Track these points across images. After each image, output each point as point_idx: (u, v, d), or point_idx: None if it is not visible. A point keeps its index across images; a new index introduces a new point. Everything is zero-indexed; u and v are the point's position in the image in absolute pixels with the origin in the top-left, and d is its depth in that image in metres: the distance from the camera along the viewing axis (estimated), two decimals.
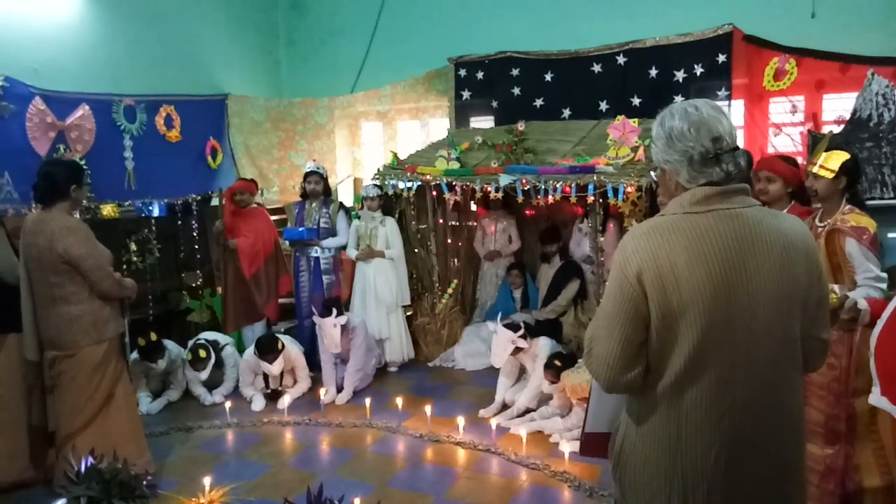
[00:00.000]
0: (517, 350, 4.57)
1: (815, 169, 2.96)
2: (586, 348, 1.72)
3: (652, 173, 4.49)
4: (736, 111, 5.66)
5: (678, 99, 5.76)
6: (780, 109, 5.46)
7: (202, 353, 4.95)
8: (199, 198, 6.41)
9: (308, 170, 5.78)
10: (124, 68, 6.13)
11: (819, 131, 5.13)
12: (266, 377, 5.05)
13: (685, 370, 1.56)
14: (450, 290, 6.04)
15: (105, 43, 5.98)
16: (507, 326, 4.62)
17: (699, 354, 1.55)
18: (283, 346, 4.96)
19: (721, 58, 5.60)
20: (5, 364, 3.57)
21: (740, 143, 5.56)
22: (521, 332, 4.57)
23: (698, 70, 5.72)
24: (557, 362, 4.27)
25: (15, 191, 5.01)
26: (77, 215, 4.63)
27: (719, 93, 5.59)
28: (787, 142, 5.41)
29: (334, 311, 4.97)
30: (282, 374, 5.07)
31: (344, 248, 5.79)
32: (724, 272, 1.54)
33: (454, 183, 5.58)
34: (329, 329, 4.96)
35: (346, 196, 7.75)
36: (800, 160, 4.64)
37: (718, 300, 1.53)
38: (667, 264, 1.54)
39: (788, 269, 1.58)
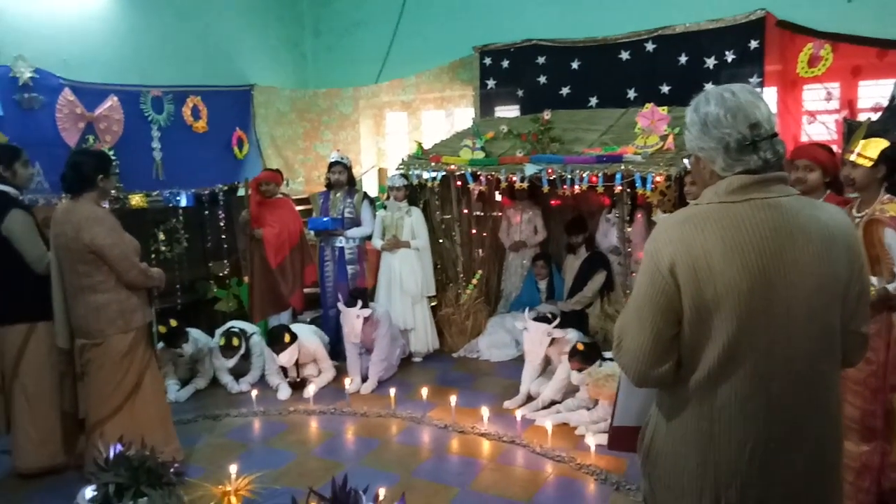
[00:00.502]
0: (553, 342, 4.50)
1: (853, 157, 2.87)
2: (616, 341, 1.68)
3: (685, 161, 4.40)
4: (768, 99, 5.52)
5: (709, 86, 5.64)
6: (814, 97, 5.32)
7: (235, 342, 4.99)
8: (225, 188, 6.46)
9: (332, 160, 5.79)
10: (152, 60, 6.18)
11: (855, 119, 4.98)
12: (296, 366, 5.07)
13: (719, 364, 1.52)
14: (474, 281, 6.01)
15: (133, 35, 6.04)
16: (538, 320, 4.57)
17: (734, 348, 1.50)
18: (294, 338, 4.94)
19: (753, 44, 5.46)
20: (36, 351, 3.64)
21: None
22: (557, 322, 4.50)
23: (729, 57, 5.59)
24: (580, 346, 4.23)
25: (45, 181, 5.09)
26: (106, 205, 4.69)
27: (751, 80, 5.46)
28: (821, 130, 5.27)
29: (360, 303, 4.98)
30: (297, 364, 5.06)
31: (368, 237, 5.80)
32: (761, 264, 1.48)
33: (479, 173, 5.53)
34: (351, 319, 4.96)
35: (370, 186, 7.75)
36: (835, 148, 4.52)
37: (755, 293, 1.48)
38: (701, 256, 1.49)
39: (828, 261, 1.52)
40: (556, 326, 4.48)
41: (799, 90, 5.35)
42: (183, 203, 6.14)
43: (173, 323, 4.89)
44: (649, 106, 4.88)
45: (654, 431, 1.72)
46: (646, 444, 1.75)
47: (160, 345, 4.78)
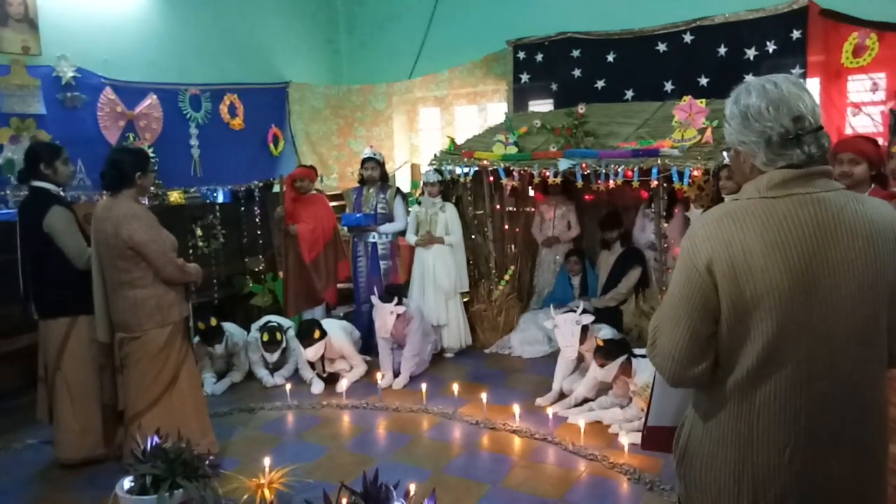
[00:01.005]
0: (584, 332, 4.45)
1: None
2: (650, 339, 1.64)
3: (724, 154, 4.30)
4: (811, 90, 5.35)
5: (749, 77, 5.50)
6: (859, 87, 5.15)
7: (277, 336, 5.04)
8: (261, 184, 6.55)
9: (365, 156, 5.81)
10: (190, 58, 6.29)
11: None
12: (322, 361, 5.12)
13: (758, 365, 1.47)
14: (507, 277, 5.97)
15: (172, 34, 6.15)
16: (564, 313, 4.53)
17: (774, 349, 1.45)
18: (324, 334, 4.97)
19: (796, 34, 5.31)
20: (78, 345, 3.73)
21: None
22: (581, 308, 4.45)
23: (770, 47, 5.45)
24: (599, 341, 4.18)
25: (87, 178, 5.23)
26: (145, 202, 4.79)
27: (793, 70, 5.31)
28: (866, 122, 5.10)
29: (395, 300, 4.99)
30: (324, 359, 5.08)
31: (401, 233, 5.81)
32: (803, 262, 1.43)
33: (512, 168, 5.49)
34: (385, 314, 4.98)
35: (403, 182, 7.77)
36: (880, 141, 4.37)
37: (796, 291, 1.43)
38: (740, 253, 1.45)
39: (874, 258, 1.46)
40: (583, 312, 4.42)
41: (843, 81, 5.18)
42: (220, 199, 6.24)
43: (213, 322, 4.96)
44: (687, 98, 4.78)
45: (690, 432, 1.67)
46: (681, 445, 1.71)
47: (196, 339, 4.87)
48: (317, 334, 4.90)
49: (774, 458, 1.49)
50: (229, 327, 5.19)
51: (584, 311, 4.44)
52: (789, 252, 1.43)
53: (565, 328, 4.45)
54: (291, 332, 5.35)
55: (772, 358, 1.46)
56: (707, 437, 1.60)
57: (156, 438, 3.03)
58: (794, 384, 1.46)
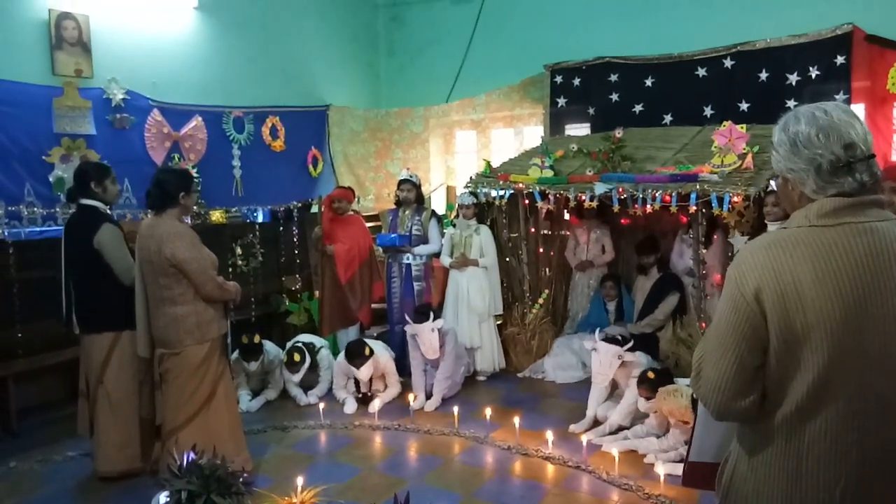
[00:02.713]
0: (622, 365, 4.40)
1: None
2: (694, 370, 1.61)
3: (772, 182, 4.23)
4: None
5: (791, 104, 5.45)
6: None
7: (297, 357, 5.10)
8: (299, 205, 6.66)
9: (401, 178, 5.87)
10: (234, 82, 6.47)
11: None
12: (357, 381, 5.14)
13: (808, 398, 1.43)
14: (540, 301, 5.94)
15: (217, 58, 6.34)
16: (608, 341, 4.47)
17: (825, 382, 1.41)
18: (372, 352, 5.01)
19: (840, 59, 5.24)
20: (120, 359, 3.81)
21: None
22: (629, 345, 4.39)
23: (813, 73, 5.38)
24: (650, 374, 4.10)
25: (133, 197, 5.38)
26: (188, 221, 4.91)
27: (837, 96, 5.24)
28: None
29: (431, 316, 5.00)
30: (371, 378, 5.14)
31: (436, 255, 5.83)
32: (855, 292, 1.40)
33: (547, 191, 5.49)
34: (427, 335, 4.97)
35: (438, 204, 7.82)
36: None
37: (848, 323, 1.40)
38: (790, 282, 1.42)
39: None
40: (630, 349, 4.36)
41: (889, 107, 5.08)
42: (259, 219, 6.37)
43: (256, 339, 5.03)
44: (727, 124, 4.73)
45: (735, 469, 1.62)
46: (725, 482, 1.66)
47: (235, 355, 4.94)
48: (367, 351, 4.95)
49: (824, 495, 1.45)
50: (266, 345, 5.26)
51: (630, 349, 4.37)
52: (841, 282, 1.40)
53: (604, 357, 4.39)
54: (325, 352, 5.39)
55: (823, 391, 1.42)
56: (752, 474, 1.55)
57: (192, 454, 3.07)
58: (846, 418, 1.42)
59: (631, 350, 4.38)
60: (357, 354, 4.95)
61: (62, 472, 4.05)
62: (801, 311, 1.41)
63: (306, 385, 5.28)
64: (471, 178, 6.07)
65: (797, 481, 1.47)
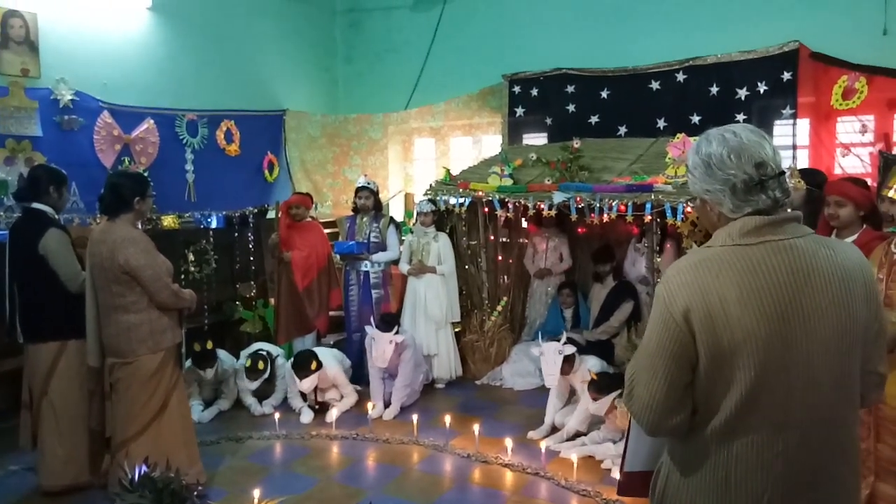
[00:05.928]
0: (567, 363, 4.45)
1: (892, 193, 2.81)
2: (627, 388, 1.63)
3: (689, 205, 4.37)
4: (801, 130, 5.46)
5: (740, 117, 5.63)
6: (848, 129, 5.26)
7: (260, 365, 4.99)
8: (255, 210, 6.54)
9: (359, 185, 5.83)
10: (188, 84, 6.32)
11: (890, 152, 4.90)
12: (315, 391, 5.07)
13: (736, 413, 1.47)
14: (499, 308, 5.97)
15: (170, 60, 6.19)
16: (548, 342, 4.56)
17: (752, 397, 1.45)
18: (320, 366, 4.93)
19: (786, 75, 5.43)
20: (67, 369, 3.69)
21: (805, 163, 5.38)
22: (564, 339, 4.48)
23: (762, 88, 5.56)
24: (593, 375, 4.18)
25: (81, 201, 5.20)
26: (139, 226, 4.78)
27: (784, 111, 5.43)
28: (855, 163, 5.19)
29: (395, 328, 4.98)
30: (317, 389, 5.05)
31: (394, 262, 5.81)
32: (779, 309, 1.44)
33: (507, 200, 5.53)
34: (383, 344, 4.95)
35: (397, 211, 7.79)
36: (869, 182, 4.44)
37: (773, 339, 1.44)
38: (717, 301, 1.45)
39: (847, 304, 1.48)
40: (566, 342, 4.45)
41: (833, 122, 5.29)
42: (213, 224, 6.22)
43: (210, 345, 4.91)
44: (681, 136, 4.85)
45: (667, 480, 1.66)
46: (658, 492, 1.70)
47: (188, 364, 4.81)
48: (313, 366, 4.87)
49: None
50: (220, 354, 5.14)
51: (568, 342, 4.47)
52: (765, 300, 1.44)
53: (549, 356, 4.48)
54: (281, 361, 5.30)
55: (749, 406, 1.46)
56: (685, 486, 1.59)
57: (143, 467, 2.97)
58: (771, 431, 1.47)
59: (569, 342, 4.47)
60: (303, 367, 4.87)
61: (4, 487, 3.89)
62: (728, 330, 1.44)
63: (260, 395, 5.19)
64: (430, 185, 6.07)
65: (726, 492, 1.51)
